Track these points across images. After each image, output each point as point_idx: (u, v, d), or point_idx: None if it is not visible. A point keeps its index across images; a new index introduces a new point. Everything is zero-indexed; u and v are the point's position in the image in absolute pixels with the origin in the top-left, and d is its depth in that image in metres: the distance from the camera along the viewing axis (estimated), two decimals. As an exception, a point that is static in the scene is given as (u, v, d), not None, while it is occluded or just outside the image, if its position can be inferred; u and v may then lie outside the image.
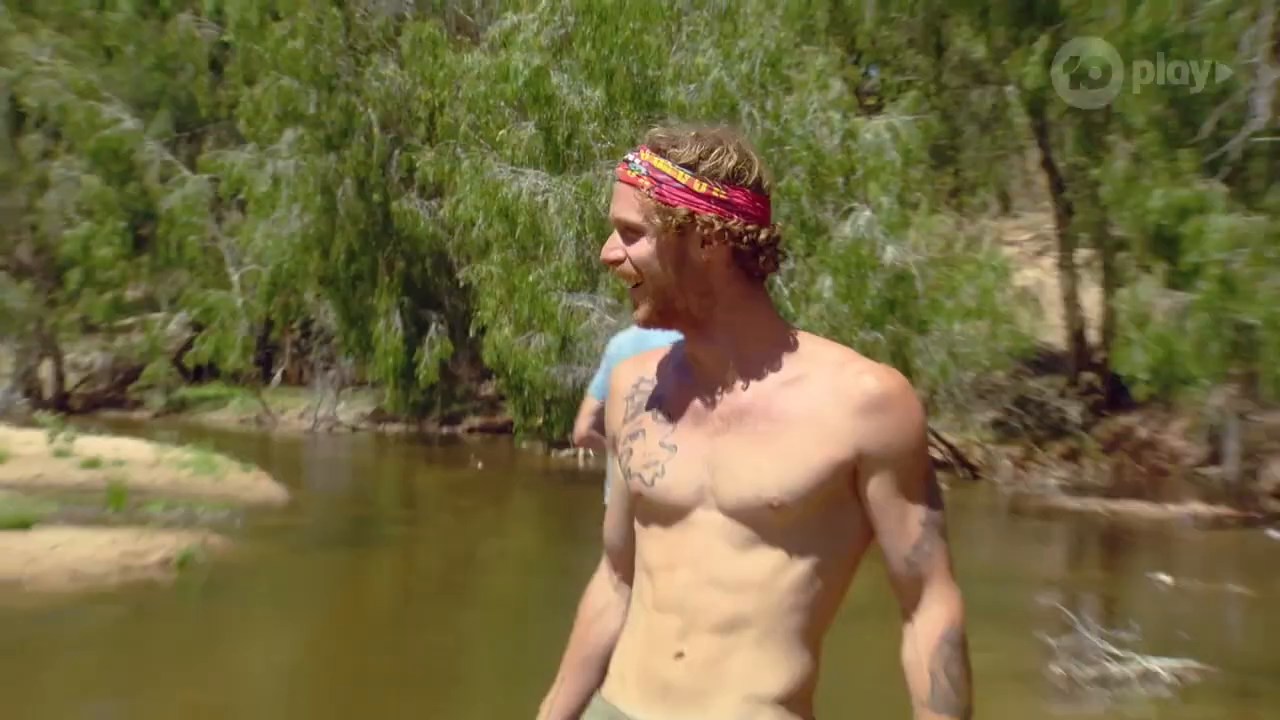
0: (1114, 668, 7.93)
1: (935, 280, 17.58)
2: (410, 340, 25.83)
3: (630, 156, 2.09)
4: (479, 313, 20.36)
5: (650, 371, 2.21)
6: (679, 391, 2.15)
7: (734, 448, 2.07)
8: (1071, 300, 22.25)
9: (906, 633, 2.11)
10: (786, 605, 2.07)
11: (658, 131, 2.09)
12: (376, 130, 25.08)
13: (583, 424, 5.25)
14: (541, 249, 18.80)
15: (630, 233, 2.08)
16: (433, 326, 25.89)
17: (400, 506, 17.64)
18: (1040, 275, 25.68)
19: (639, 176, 2.06)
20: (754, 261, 2.08)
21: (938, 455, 20.89)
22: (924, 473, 2.08)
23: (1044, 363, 22.77)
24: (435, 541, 14.23)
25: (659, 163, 2.05)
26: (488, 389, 28.04)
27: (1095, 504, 16.65)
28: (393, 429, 27.94)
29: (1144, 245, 16.97)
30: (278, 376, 32.64)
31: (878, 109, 21.26)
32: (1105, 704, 7.69)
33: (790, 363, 2.10)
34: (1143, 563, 13.23)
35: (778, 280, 17.12)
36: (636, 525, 2.19)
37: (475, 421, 27.78)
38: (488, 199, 18.85)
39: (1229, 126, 15.31)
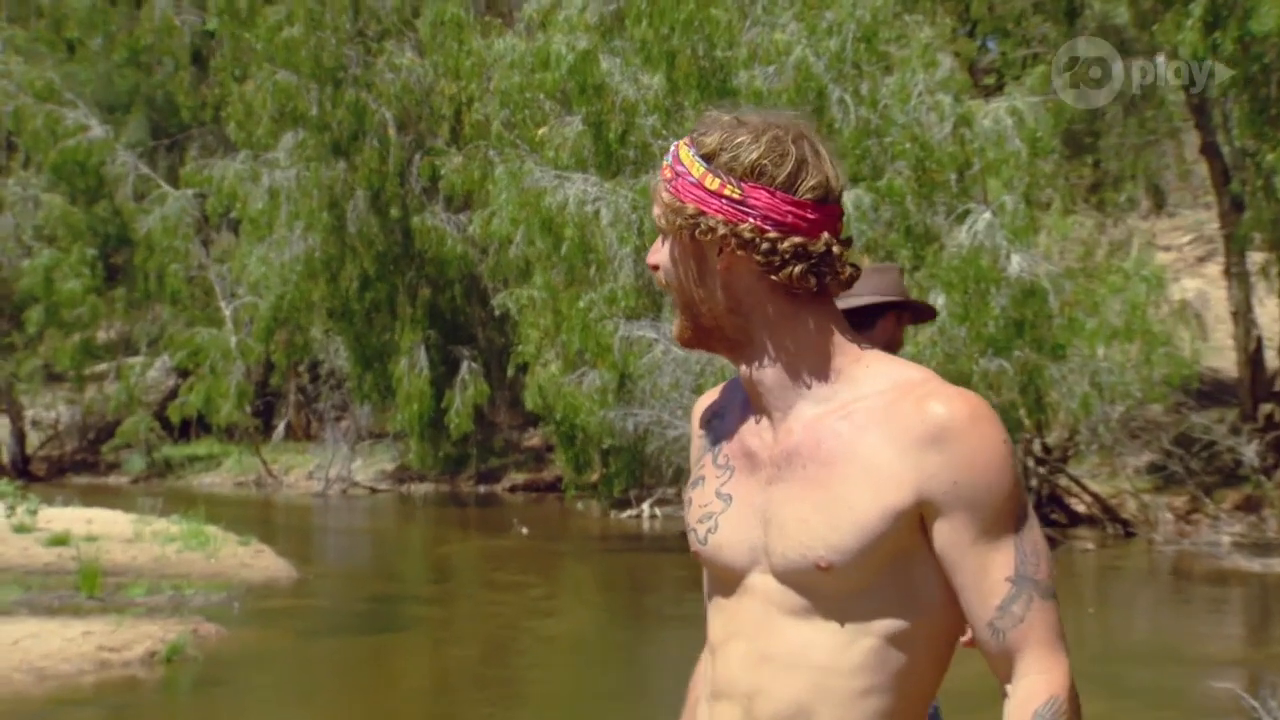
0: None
1: (1073, 295, 17.47)
2: (438, 382, 25.95)
3: (671, 153, 2.11)
4: (520, 347, 20.44)
5: (722, 404, 2.22)
6: (740, 429, 2.15)
7: (784, 498, 2.05)
8: (1244, 315, 22.01)
9: (1004, 712, 2.05)
10: (857, 689, 2.03)
11: (711, 114, 2.10)
12: (392, 132, 25.27)
13: None
14: (593, 269, 18.87)
15: (663, 236, 2.12)
16: (464, 365, 26.00)
17: (429, 583, 17.71)
18: (1204, 286, 25.46)
19: (665, 167, 2.09)
20: (787, 275, 2.05)
21: (1081, 509, 20.73)
22: (1012, 516, 2.02)
23: (1211, 393, 22.54)
24: (471, 625, 14.26)
25: (684, 152, 2.07)
26: (532, 438, 28.14)
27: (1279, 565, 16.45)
28: (419, 489, 28.07)
29: (1330, 245, 16.81)
30: (280, 430, 32.85)
31: (998, 89, 21.22)
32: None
33: (845, 391, 2.07)
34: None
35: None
36: (705, 593, 2.19)
37: (518, 478, 27.85)
38: (527, 210, 18.94)
39: None
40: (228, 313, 28.80)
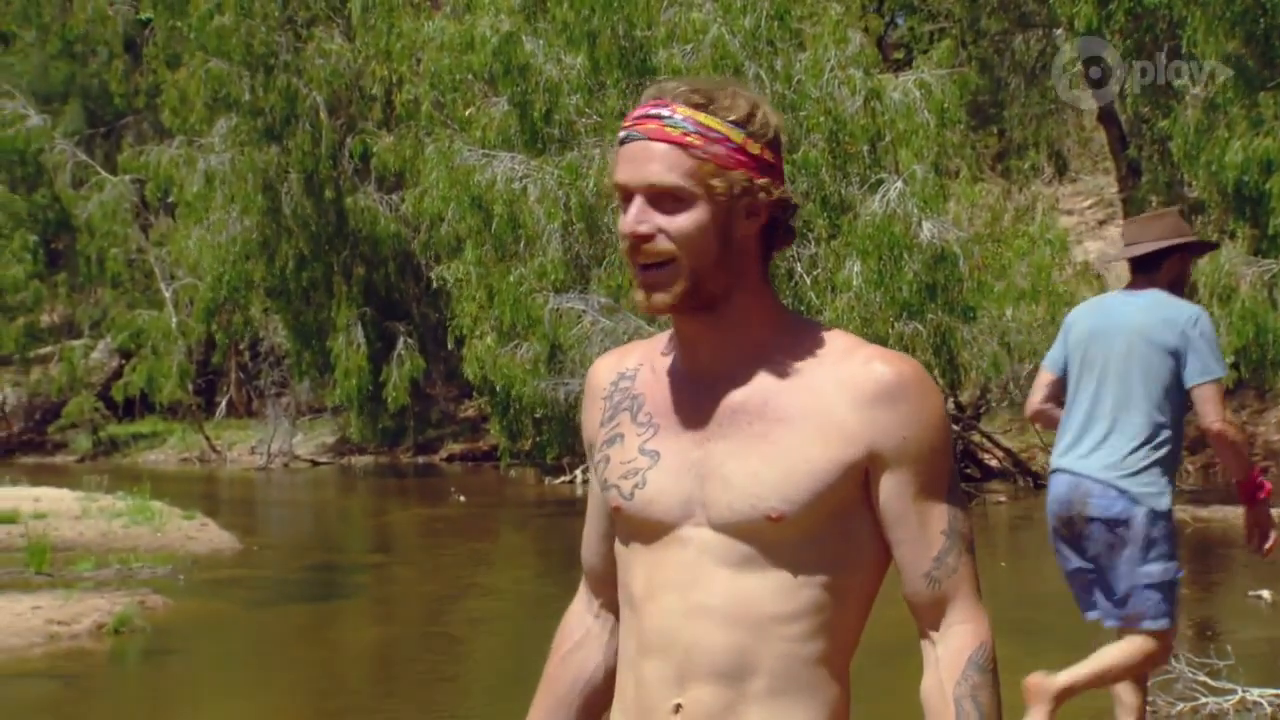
0: (1208, 700, 7.92)
1: (981, 259, 17.60)
2: (375, 357, 25.88)
3: (661, 112, 2.03)
4: (454, 321, 20.39)
5: (631, 366, 2.18)
6: (664, 389, 2.12)
7: (726, 452, 2.04)
8: (1143, 275, 22.22)
9: (927, 659, 2.09)
10: (795, 639, 2.04)
11: (677, 84, 2.06)
12: (324, 115, 25.13)
13: (1034, 397, 6.00)
14: (522, 244, 18.83)
15: (673, 201, 2.01)
16: (401, 340, 25.95)
17: (370, 551, 17.64)
18: (1105, 247, 25.69)
19: (685, 135, 2.01)
20: (781, 236, 2.09)
21: (994, 463, 20.90)
22: (947, 474, 2.06)
23: (1114, 350, 22.77)
24: (412, 590, 14.22)
25: (707, 119, 2.01)
26: (468, 409, 28.10)
27: (1180, 511, 16.50)
28: (359, 461, 27.97)
29: (1224, 206, 16.99)
30: (222, 407, 32.67)
31: (906, 63, 21.31)
32: (1199, 743, 7.69)
33: (791, 353, 2.08)
34: (1239, 578, 13.22)
35: (798, 268, 17.15)
36: (617, 547, 2.17)
37: (455, 448, 27.82)
38: (457, 188, 18.88)
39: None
40: (168, 294, 28.61)
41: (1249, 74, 15.66)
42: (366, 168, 25.08)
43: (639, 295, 2.05)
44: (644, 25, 18.26)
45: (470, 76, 19.70)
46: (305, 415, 29.96)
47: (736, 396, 2.06)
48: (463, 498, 21.36)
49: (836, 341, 2.09)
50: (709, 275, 2.02)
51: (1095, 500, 5.75)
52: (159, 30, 28.09)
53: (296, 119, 25.01)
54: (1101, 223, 27.38)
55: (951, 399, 20.29)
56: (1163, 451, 5.69)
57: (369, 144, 24.12)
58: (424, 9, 23.15)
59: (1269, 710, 7.81)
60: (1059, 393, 5.97)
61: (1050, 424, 6.01)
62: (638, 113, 2.05)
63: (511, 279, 18.53)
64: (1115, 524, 5.74)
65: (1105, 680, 6.16)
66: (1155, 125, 18.80)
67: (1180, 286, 5.95)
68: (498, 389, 19.33)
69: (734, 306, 2.06)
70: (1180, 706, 7.92)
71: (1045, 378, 5.95)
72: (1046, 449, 20.86)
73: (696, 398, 2.08)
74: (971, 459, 20.85)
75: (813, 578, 2.04)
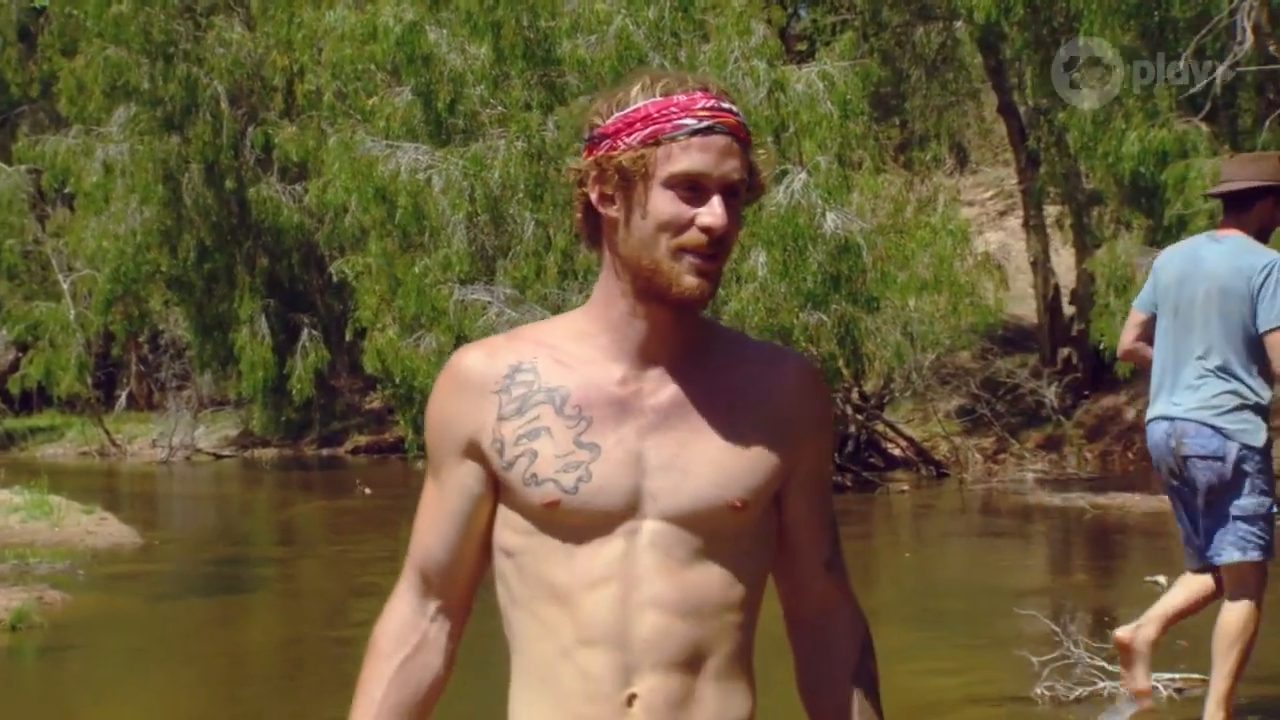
0: (1106, 685, 8.04)
1: (885, 250, 17.72)
2: (279, 349, 25.72)
3: (734, 108, 2.10)
4: (357, 313, 20.26)
5: (525, 359, 2.13)
6: (589, 382, 2.10)
7: (677, 443, 2.07)
8: (1042, 265, 22.51)
9: (819, 647, 2.18)
10: (741, 623, 2.11)
11: (706, 78, 2.14)
12: (225, 105, 24.91)
13: (1126, 336, 6.42)
14: (427, 235, 18.74)
15: (732, 195, 2.07)
16: (305, 332, 25.80)
17: (275, 544, 17.51)
18: (1005, 238, 26.00)
19: (749, 133, 2.11)
20: None
21: (897, 452, 21.10)
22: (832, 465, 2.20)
23: (1014, 339, 23.05)
24: (317, 581, 14.15)
25: (739, 119, 2.12)
26: (373, 401, 27.95)
27: (1080, 499, 16.85)
28: (263, 454, 27.73)
29: (1120, 197, 17.24)
30: (122, 400, 32.29)
31: (809, 55, 21.42)
32: (1097, 726, 7.80)
33: (722, 348, 2.15)
34: (1136, 564, 13.43)
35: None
36: (529, 541, 2.11)
37: (360, 440, 27.66)
38: (360, 179, 18.75)
39: (1210, 56, 15.56)
40: (65, 286, 28.19)
41: (1144, 66, 15.87)
42: (269, 158, 24.88)
43: (693, 282, 2.04)
44: (548, 16, 18.22)
45: (373, 67, 19.57)
46: (207, 408, 29.69)
47: (681, 388, 2.09)
48: (368, 490, 21.25)
49: (746, 337, 2.22)
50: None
51: (1190, 439, 6.07)
52: (55, 18, 27.70)
53: (197, 108, 24.78)
54: (1002, 213, 27.68)
55: (856, 389, 20.45)
56: (1252, 392, 5.95)
57: (271, 134, 23.90)
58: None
59: (1165, 694, 7.94)
60: (1149, 332, 6.30)
61: (1143, 362, 6.34)
62: (710, 104, 2.07)
63: (416, 270, 18.43)
64: (1211, 459, 6.02)
65: (1193, 611, 6.62)
66: (1054, 117, 19.02)
67: (1267, 233, 6.16)
68: (400, 381, 19.23)
69: None
70: (1079, 691, 8.03)
71: (1136, 318, 6.28)
72: (949, 437, 21.11)
73: (635, 390, 2.09)
74: (875, 448, 21.02)
75: (750, 565, 2.11)
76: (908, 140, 25.40)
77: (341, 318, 24.44)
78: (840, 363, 18.01)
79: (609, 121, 2.09)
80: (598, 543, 2.06)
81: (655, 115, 2.05)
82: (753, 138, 2.10)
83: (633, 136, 2.05)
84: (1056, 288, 22.59)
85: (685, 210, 2.04)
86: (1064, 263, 22.99)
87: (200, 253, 25.99)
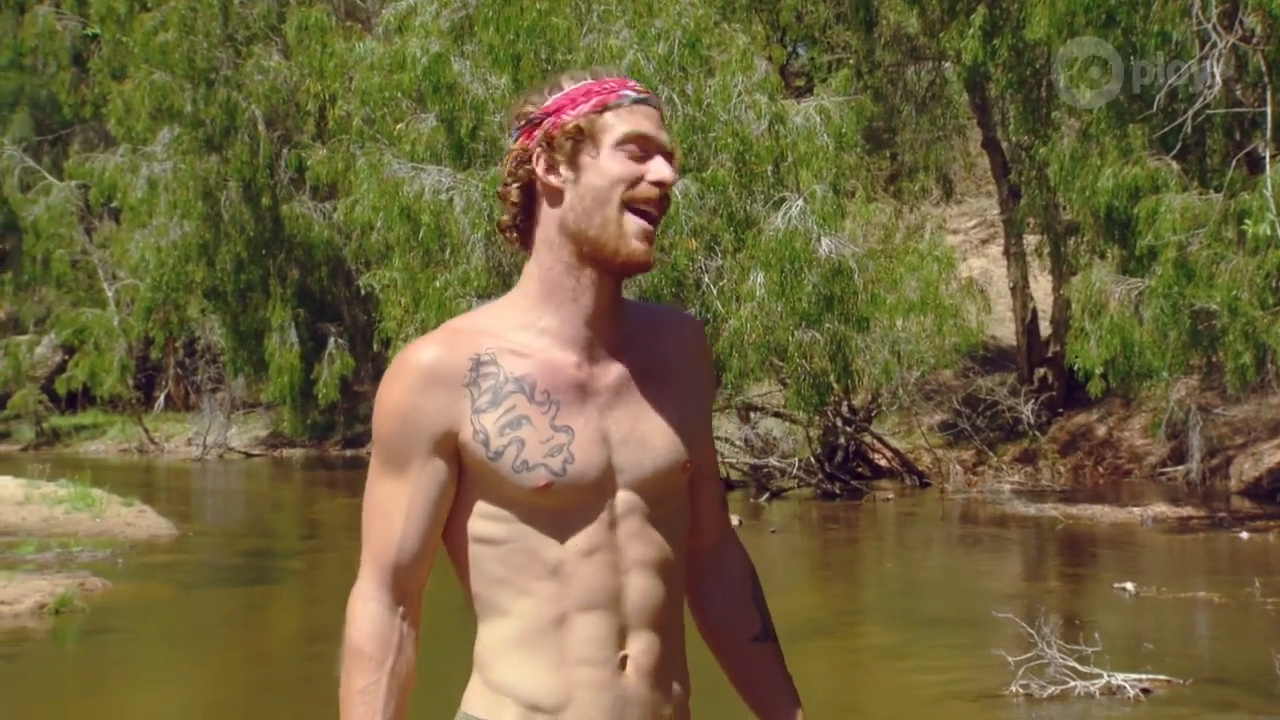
0: (1076, 684, 8.03)
1: (875, 273, 17.72)
2: (308, 356, 25.72)
3: (636, 84, 2.13)
4: (382, 323, 20.24)
5: (483, 351, 2.07)
6: (547, 367, 2.07)
7: (632, 416, 2.09)
8: (1021, 290, 22.51)
9: (719, 570, 2.28)
10: (681, 579, 2.17)
11: (618, 71, 2.21)
12: (262, 127, 24.94)
13: None
14: (448, 252, 18.74)
15: (670, 158, 2.11)
16: (332, 340, 25.81)
17: (301, 538, 17.50)
18: (987, 265, 26.01)
19: (659, 110, 2.14)
20: None
21: (883, 463, 21.08)
22: None
23: (994, 359, 23.04)
24: (340, 574, 14.11)
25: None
26: (394, 407, 27.92)
27: (1053, 510, 16.85)
28: (291, 454, 27.74)
29: (1095, 229, 17.21)
30: (160, 400, 32.34)
31: (807, 90, 21.44)
32: (1068, 723, 7.79)
33: (640, 318, 2.18)
34: (1105, 571, 13.41)
35: (705, 279, 17.20)
36: (510, 530, 2.06)
37: (381, 443, 27.62)
38: (387, 199, 18.75)
39: (1181, 99, 15.56)
40: (110, 294, 28.24)
41: (1119, 107, 15.87)
42: (301, 178, 24.89)
43: (641, 247, 2.06)
44: (565, 50, 18.23)
45: (400, 94, 19.58)
46: (240, 410, 29.72)
47: (624, 363, 2.11)
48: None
49: (646, 303, 2.26)
50: None
51: None
52: (105, 44, 27.70)
53: (235, 130, 24.82)
54: (984, 241, 27.68)
55: (846, 402, 20.44)
56: None
57: (304, 156, 23.92)
58: (356, 32, 23.00)
59: (1132, 693, 7.93)
60: None
61: None
62: (636, 85, 2.11)
63: (437, 284, 18.43)
64: None
65: None
66: (1035, 152, 19.02)
67: None
68: (421, 388, 19.22)
69: None
70: (1051, 690, 8.02)
71: None
72: (932, 450, 21.10)
73: (589, 370, 2.09)
74: (863, 458, 21.01)
75: (685, 519, 2.18)
76: (897, 171, 25.41)
77: (367, 328, 24.45)
78: (832, 378, 17.99)
79: (547, 103, 2.10)
80: (583, 517, 2.04)
81: (596, 90, 2.08)
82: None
83: (579, 108, 2.07)
84: (1034, 312, 22.59)
85: (635, 167, 2.06)
86: (1042, 288, 22.99)
87: (236, 265, 25.98)
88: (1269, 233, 13.89)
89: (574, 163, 2.06)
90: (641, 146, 2.06)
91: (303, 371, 25.49)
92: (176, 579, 12.94)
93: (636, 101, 2.08)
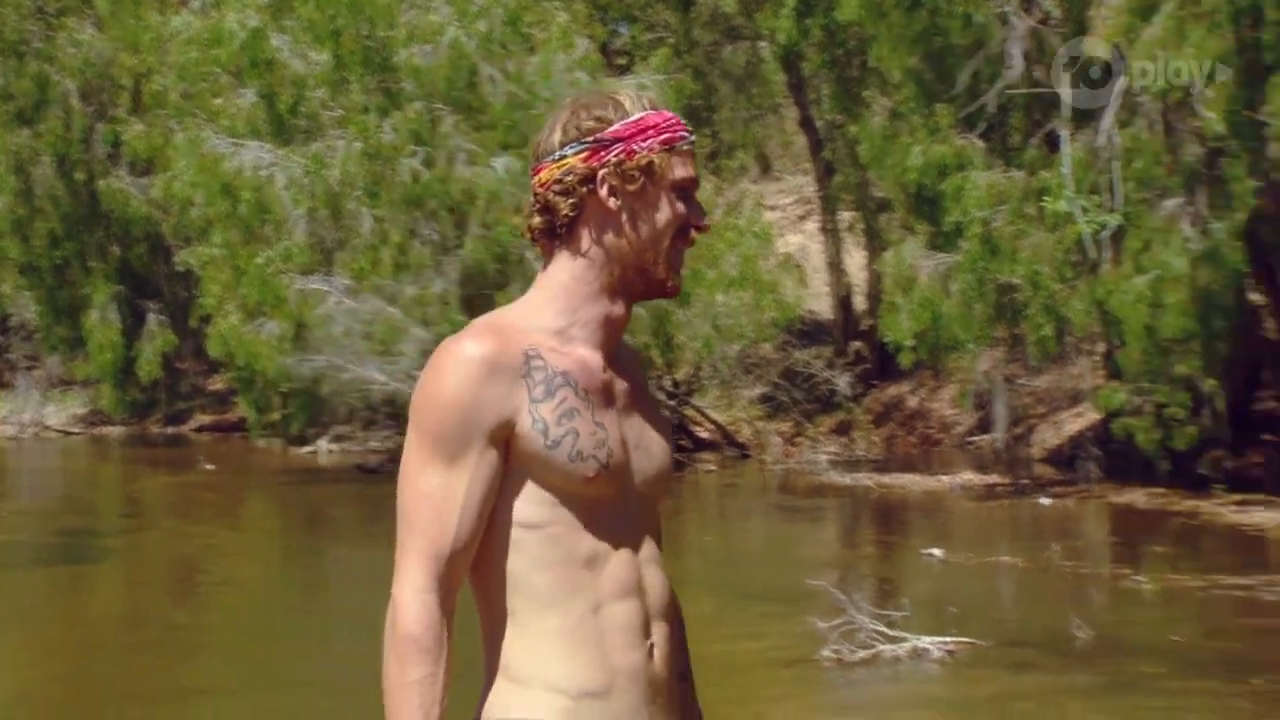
0: (885, 648, 8.22)
1: (696, 249, 17.83)
2: (128, 333, 25.22)
3: (682, 121, 2.19)
4: (202, 300, 19.89)
5: (532, 346, 2.09)
6: (582, 370, 2.12)
7: (638, 425, 2.18)
8: (836, 266, 22.88)
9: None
10: None
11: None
12: (76, 101, 24.32)
13: None
14: (269, 228, 18.45)
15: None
16: (152, 317, 25.35)
17: (120, 516, 17.10)
18: (804, 240, 26.35)
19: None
20: None
21: (704, 435, 21.28)
22: None
23: (811, 333, 23.39)
24: (160, 552, 13.85)
25: None
26: (216, 383, 27.41)
27: (866, 479, 17.17)
28: (111, 431, 27.05)
29: (905, 205, 17.56)
30: (-28, 379, 31.25)
31: (628, 68, 21.47)
32: (875, 686, 7.97)
33: None
34: (915, 538, 13.73)
35: (527, 255, 17.17)
36: (554, 514, 2.07)
37: (204, 419, 27.13)
38: (206, 175, 18.39)
39: (985, 79, 15.93)
40: (-81, 270, 27.24)
41: (927, 87, 16.19)
42: (118, 153, 24.32)
43: (679, 280, 2.21)
44: (385, 26, 18.02)
45: (218, 70, 19.20)
46: (56, 388, 28.89)
47: (625, 376, 2.20)
48: (210, 466, 20.87)
49: None
50: None
51: None
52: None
53: (48, 104, 24.19)
54: (801, 218, 28.04)
55: (669, 376, 20.59)
56: None
57: (119, 131, 23.35)
58: (171, 4, 22.48)
59: (937, 655, 8.14)
60: None
61: None
62: (677, 120, 2.17)
63: (258, 261, 18.13)
64: None
65: None
66: (847, 131, 19.33)
67: None
68: (242, 365, 18.91)
69: None
70: (860, 654, 8.20)
71: None
72: (752, 422, 21.36)
73: (607, 378, 2.16)
74: (684, 431, 21.18)
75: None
76: (717, 149, 25.58)
77: (187, 304, 24.00)
78: (654, 352, 18.13)
79: (616, 126, 2.13)
80: (613, 509, 2.10)
81: (662, 125, 2.14)
82: None
83: (648, 141, 2.12)
84: (849, 286, 22.99)
85: (685, 211, 2.17)
86: (856, 264, 23.38)
87: (51, 241, 25.34)
88: (1066, 209, 14.33)
89: (638, 196, 2.13)
90: (680, 189, 2.16)
91: (123, 348, 25.02)
92: (-10, 561, 12.56)
93: (688, 145, 2.17)
